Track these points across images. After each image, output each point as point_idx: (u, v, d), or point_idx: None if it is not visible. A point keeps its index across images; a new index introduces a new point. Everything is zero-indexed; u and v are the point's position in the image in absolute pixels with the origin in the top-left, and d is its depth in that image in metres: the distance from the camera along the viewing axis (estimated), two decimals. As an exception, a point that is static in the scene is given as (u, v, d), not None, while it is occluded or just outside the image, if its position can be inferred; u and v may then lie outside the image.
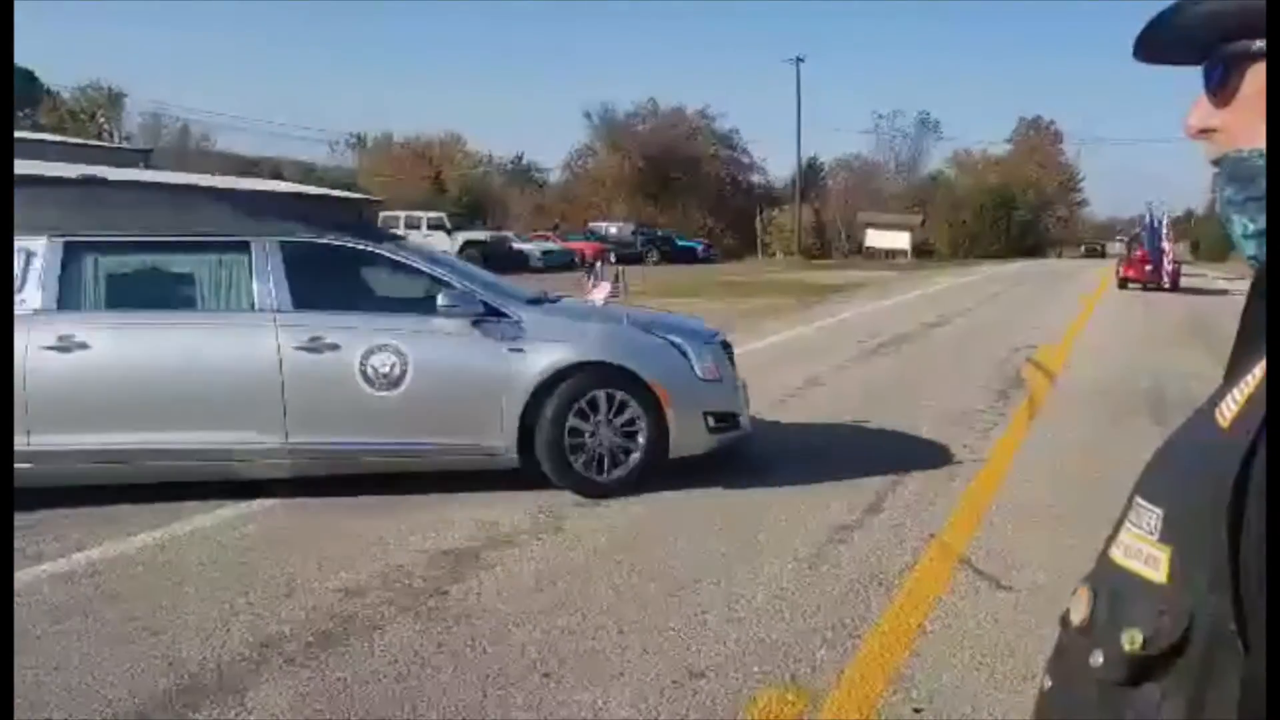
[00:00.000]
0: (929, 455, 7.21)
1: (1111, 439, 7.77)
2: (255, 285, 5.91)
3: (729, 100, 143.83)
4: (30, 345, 5.52)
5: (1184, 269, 33.13)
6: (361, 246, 6.30)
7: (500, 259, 33.69)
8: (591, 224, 48.44)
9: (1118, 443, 7.56)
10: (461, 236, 34.64)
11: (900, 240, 53.71)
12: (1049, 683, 0.90)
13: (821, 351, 13.01)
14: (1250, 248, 0.87)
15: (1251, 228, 0.86)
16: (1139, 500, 0.84)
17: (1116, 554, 0.84)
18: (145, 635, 3.94)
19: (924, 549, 5.16)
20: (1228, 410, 0.77)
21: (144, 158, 48.03)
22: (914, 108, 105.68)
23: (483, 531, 5.30)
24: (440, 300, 5.97)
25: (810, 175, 65.06)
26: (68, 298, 5.77)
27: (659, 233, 47.04)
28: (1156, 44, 0.90)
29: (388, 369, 5.80)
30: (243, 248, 5.95)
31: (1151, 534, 0.80)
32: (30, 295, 5.67)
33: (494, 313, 6.09)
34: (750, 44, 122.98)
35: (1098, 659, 0.81)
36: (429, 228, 35.21)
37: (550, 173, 66.65)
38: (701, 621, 4.17)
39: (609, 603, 4.35)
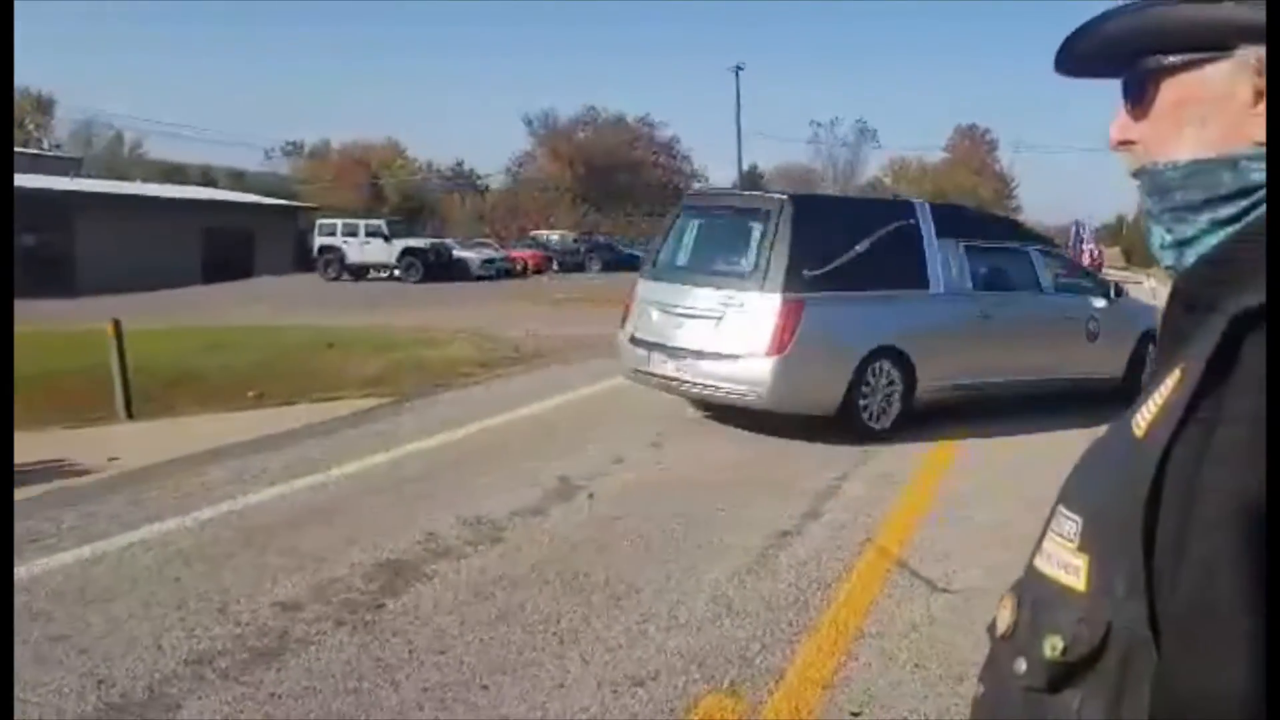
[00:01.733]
0: (867, 459, 7.29)
1: (1046, 438, 7.91)
2: (1039, 276, 9.57)
3: (670, 108, 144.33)
4: (970, 314, 8.65)
5: (1110, 272, 36.92)
6: (1056, 253, 11.14)
7: (440, 267, 33.36)
8: (533, 231, 48.13)
9: (1052, 442, 7.71)
10: (400, 244, 34.17)
11: (839, 247, 54.16)
12: (981, 689, 0.91)
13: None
14: (1168, 258, 0.89)
15: (1169, 238, 0.88)
16: (1061, 508, 0.85)
17: (1039, 562, 0.85)
18: (73, 654, 3.84)
19: (862, 553, 5.22)
20: (1143, 419, 0.78)
21: (74, 166, 46.95)
22: (851, 116, 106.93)
23: (422, 543, 5.25)
24: (1116, 288, 10.29)
25: (751, 183, 65.47)
26: (975, 282, 8.91)
27: (602, 240, 46.79)
28: (1076, 57, 0.93)
29: (1094, 329, 9.59)
30: (1024, 254, 9.65)
31: (1071, 541, 0.81)
32: (954, 281, 8.70)
33: (1120, 293, 10.25)
34: (690, 53, 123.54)
35: (1021, 666, 0.82)
36: (366, 235, 34.63)
37: (492, 178, 66.31)
38: (642, 630, 4.17)
39: (549, 612, 4.34)
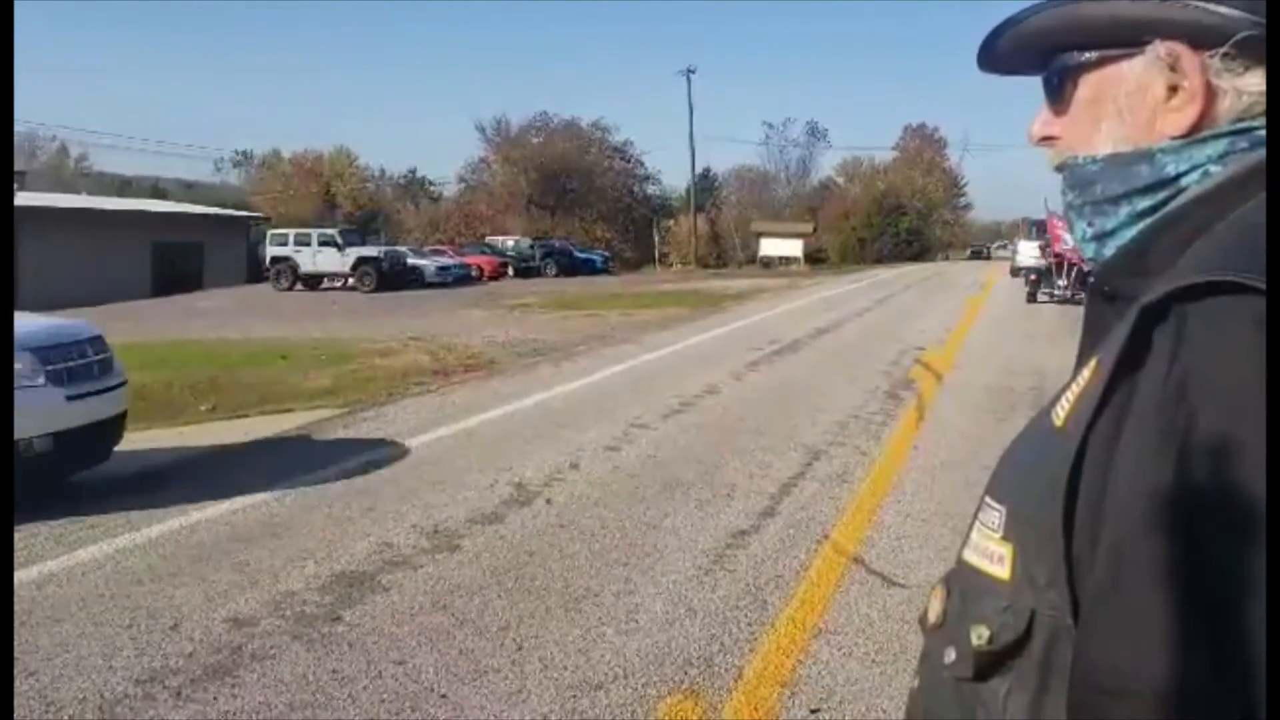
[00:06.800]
0: (822, 459, 7.33)
1: (997, 435, 8.01)
2: None
3: (624, 113, 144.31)
4: None
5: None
6: None
7: (395, 275, 33.10)
8: (489, 237, 47.96)
9: (1003, 439, 7.80)
10: (354, 253, 33.84)
11: (793, 248, 54.55)
12: (916, 682, 0.92)
13: (719, 359, 13.13)
14: (1090, 250, 0.90)
15: (1090, 231, 0.90)
16: (987, 499, 0.86)
17: (967, 552, 0.87)
18: (20, 677, 3.76)
19: (818, 550, 5.25)
20: (1061, 410, 0.79)
21: (18, 179, 45.94)
22: (803, 117, 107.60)
23: (377, 553, 5.21)
24: None
25: (705, 186, 65.68)
26: None
27: (557, 245, 46.72)
28: (996, 55, 0.94)
29: None
30: None
31: (996, 531, 0.83)
32: None
33: None
34: (641, 56, 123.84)
35: (951, 656, 0.83)
36: (319, 244, 34.26)
37: (445, 185, 65.99)
38: (601, 634, 4.17)
39: (507, 620, 4.32)
